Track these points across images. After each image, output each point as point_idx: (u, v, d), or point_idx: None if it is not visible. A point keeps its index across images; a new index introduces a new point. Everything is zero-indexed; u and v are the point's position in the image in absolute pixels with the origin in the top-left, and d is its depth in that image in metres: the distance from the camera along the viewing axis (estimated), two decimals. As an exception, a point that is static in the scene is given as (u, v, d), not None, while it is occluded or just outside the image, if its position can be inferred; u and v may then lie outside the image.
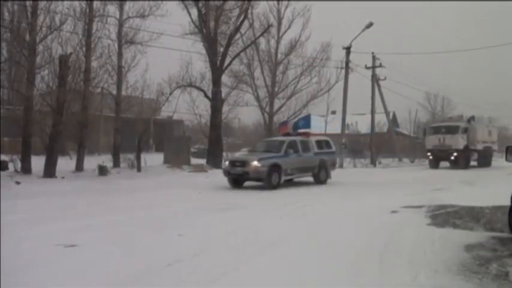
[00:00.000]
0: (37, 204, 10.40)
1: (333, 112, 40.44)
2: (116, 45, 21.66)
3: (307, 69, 32.99)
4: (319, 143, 17.14)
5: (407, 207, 10.04)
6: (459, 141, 26.81)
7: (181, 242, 6.64)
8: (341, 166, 27.60)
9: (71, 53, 17.86)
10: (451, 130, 27.55)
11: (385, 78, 34.00)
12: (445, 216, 8.80)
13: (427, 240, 6.61)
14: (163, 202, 11.37)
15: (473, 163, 28.49)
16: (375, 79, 33.38)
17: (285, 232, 7.34)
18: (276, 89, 33.07)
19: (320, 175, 16.50)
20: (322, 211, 9.93)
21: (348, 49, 29.05)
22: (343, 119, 29.52)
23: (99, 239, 6.72)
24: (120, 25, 21.68)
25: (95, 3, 19.95)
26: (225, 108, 27.65)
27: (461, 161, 26.65)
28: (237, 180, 15.20)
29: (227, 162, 15.73)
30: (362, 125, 41.16)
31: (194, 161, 24.82)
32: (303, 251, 6.07)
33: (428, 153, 28.28)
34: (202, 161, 24.46)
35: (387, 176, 21.35)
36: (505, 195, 6.72)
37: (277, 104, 33.59)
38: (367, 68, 33.35)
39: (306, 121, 23.66)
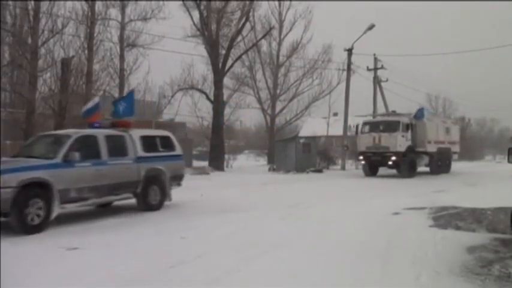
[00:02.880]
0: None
1: (335, 114, 40.46)
2: (118, 48, 21.78)
3: (308, 71, 33.18)
4: (148, 141, 10.28)
5: (409, 209, 10.02)
6: (399, 142, 20.59)
7: (183, 244, 6.64)
8: (343, 168, 27.60)
9: (73, 56, 17.94)
10: (389, 127, 21.09)
11: (386, 80, 33.96)
12: (447, 218, 8.78)
13: (430, 242, 6.60)
14: (165, 204, 11.35)
15: (425, 169, 23.12)
16: (376, 81, 33.35)
17: (285, 232, 7.35)
18: (278, 91, 33.18)
19: (148, 196, 9.91)
20: (325, 212, 9.92)
21: (349, 51, 29.06)
22: (345, 121, 29.48)
23: (101, 242, 6.73)
24: (122, 28, 21.77)
25: (96, 6, 20.02)
26: (226, 111, 27.78)
27: (403, 166, 20.78)
28: None
29: None
30: (364, 126, 41.11)
31: (196, 163, 24.85)
32: (304, 252, 6.06)
33: (360, 157, 21.88)
34: (204, 164, 24.48)
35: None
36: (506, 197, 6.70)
37: (279, 106, 33.74)
38: (368, 69, 33.31)
39: (129, 102, 11.91)
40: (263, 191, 14.72)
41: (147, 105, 24.89)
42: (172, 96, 24.84)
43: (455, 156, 25.97)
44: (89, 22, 19.46)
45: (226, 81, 27.42)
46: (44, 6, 17.34)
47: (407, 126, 21.23)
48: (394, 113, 24.19)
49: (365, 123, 22.56)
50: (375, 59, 33.15)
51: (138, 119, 17.71)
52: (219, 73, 24.20)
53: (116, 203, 10.14)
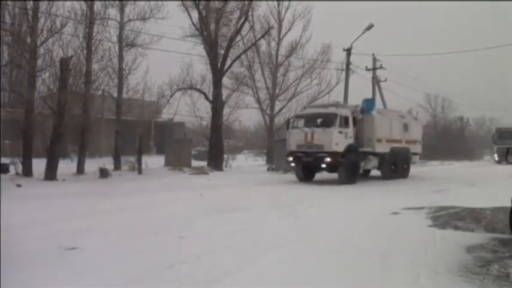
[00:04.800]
0: (38, 207, 10.40)
1: (334, 114, 40.36)
2: (117, 47, 21.72)
3: (307, 71, 33.08)
4: None
5: (408, 209, 10.04)
6: (335, 139, 16.66)
7: (183, 244, 6.64)
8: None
9: (71, 56, 17.89)
10: (325, 121, 17.19)
11: (385, 80, 33.99)
12: (446, 218, 8.80)
13: (428, 242, 6.62)
14: (164, 204, 11.37)
15: (376, 172, 20.10)
16: (375, 81, 33.36)
17: (285, 232, 7.35)
18: (277, 91, 33.13)
19: None
20: (324, 212, 9.93)
21: (348, 51, 29.06)
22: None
23: (100, 242, 6.73)
24: (121, 28, 21.74)
25: (95, 6, 20.00)
26: (225, 111, 27.73)
27: (341, 170, 16.94)
28: None
29: None
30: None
31: (195, 163, 24.85)
32: (304, 252, 6.07)
33: (289, 158, 17.70)
34: (203, 163, 24.47)
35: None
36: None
37: (278, 106, 33.63)
38: (367, 69, 33.35)
39: None
40: (262, 191, 14.73)
41: (146, 105, 24.82)
42: (171, 96, 24.77)
43: (415, 158, 22.20)
44: (88, 22, 19.42)
45: (225, 81, 27.39)
46: (43, 6, 17.30)
47: (347, 121, 17.41)
48: (335, 103, 19.90)
49: (298, 117, 18.84)
50: (374, 59, 33.18)
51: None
52: (218, 73, 24.19)
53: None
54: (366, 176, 20.26)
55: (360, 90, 34.04)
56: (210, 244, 6.55)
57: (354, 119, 17.85)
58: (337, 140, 16.79)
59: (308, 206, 10.75)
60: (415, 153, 21.75)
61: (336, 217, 9.28)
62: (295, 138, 17.63)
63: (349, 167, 17.12)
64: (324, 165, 16.95)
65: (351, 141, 17.41)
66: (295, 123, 18.23)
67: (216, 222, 8.56)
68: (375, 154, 18.71)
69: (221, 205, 10.95)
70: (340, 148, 16.84)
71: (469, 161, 44.70)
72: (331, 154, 16.58)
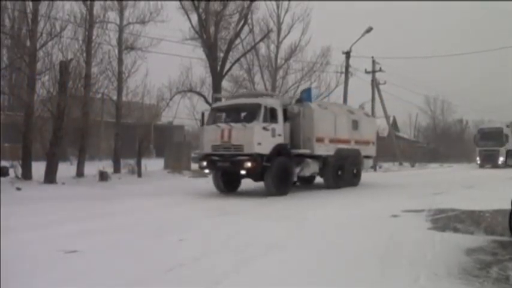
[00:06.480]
0: (37, 210, 10.40)
1: (333, 116, 40.35)
2: (116, 51, 21.74)
3: (307, 73, 33.12)
4: None
5: (407, 211, 10.04)
6: (257, 137, 13.02)
7: (182, 246, 6.64)
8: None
9: (71, 59, 17.90)
10: (247, 115, 13.76)
11: (385, 83, 34.10)
12: (445, 220, 8.81)
13: (428, 244, 6.62)
14: (164, 206, 11.37)
15: (319, 180, 16.68)
16: (374, 83, 33.44)
17: (284, 234, 7.36)
18: (276, 93, 33.18)
19: None
20: (322, 214, 9.93)
21: (347, 54, 29.13)
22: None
23: (100, 245, 6.72)
24: (121, 31, 21.76)
25: (95, 9, 20.04)
26: (225, 113, 27.67)
27: (268, 178, 13.38)
28: None
29: None
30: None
31: (194, 166, 24.83)
32: (303, 254, 6.07)
33: (203, 163, 13.86)
34: (203, 166, 24.44)
35: None
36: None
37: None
38: (367, 72, 33.43)
39: None
40: (261, 192, 14.70)
41: (145, 108, 24.84)
42: (170, 99, 24.78)
43: (368, 162, 18.61)
44: (87, 25, 19.45)
45: (225, 84, 27.43)
46: (43, 9, 17.33)
47: (275, 114, 13.73)
48: (264, 93, 16.69)
49: (215, 110, 14.72)
50: (373, 62, 33.28)
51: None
52: (217, 76, 24.21)
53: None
54: (310, 183, 17.53)
55: (359, 93, 34.14)
56: (209, 246, 6.55)
57: (286, 112, 14.19)
58: (260, 138, 13.08)
59: (306, 209, 10.75)
60: (367, 157, 18.08)
61: (336, 219, 9.28)
62: (210, 137, 13.75)
63: (278, 174, 13.47)
64: (243, 172, 13.18)
65: (280, 140, 13.75)
66: (211, 118, 14.31)
67: (216, 224, 8.57)
68: (314, 157, 15.07)
69: (220, 208, 10.96)
70: (265, 149, 13.20)
71: (468, 163, 44.72)
72: (253, 157, 12.90)
